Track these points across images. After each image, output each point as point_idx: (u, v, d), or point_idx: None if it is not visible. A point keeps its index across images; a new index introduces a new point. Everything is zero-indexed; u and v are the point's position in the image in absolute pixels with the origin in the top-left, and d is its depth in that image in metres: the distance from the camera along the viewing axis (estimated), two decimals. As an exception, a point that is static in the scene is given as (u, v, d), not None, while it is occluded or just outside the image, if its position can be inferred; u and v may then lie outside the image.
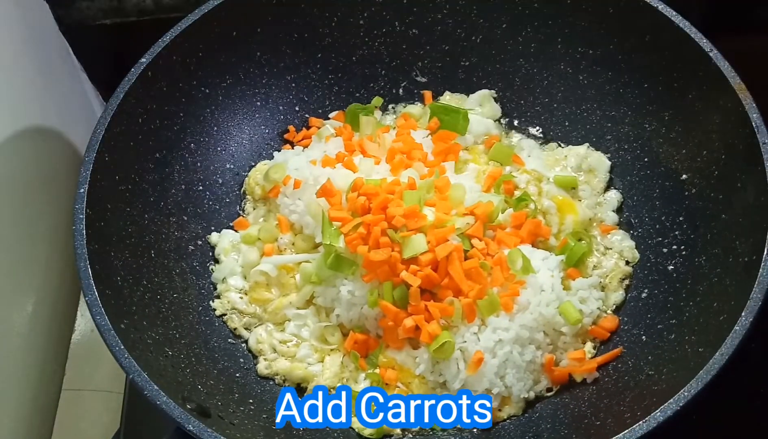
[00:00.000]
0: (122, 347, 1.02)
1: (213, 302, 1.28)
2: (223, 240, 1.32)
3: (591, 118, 1.37)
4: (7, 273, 1.37)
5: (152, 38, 1.26)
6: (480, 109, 1.41)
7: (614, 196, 1.33)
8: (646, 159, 1.31)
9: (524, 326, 1.15)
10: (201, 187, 1.34)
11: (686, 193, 1.23)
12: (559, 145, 1.39)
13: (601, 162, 1.34)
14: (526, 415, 1.16)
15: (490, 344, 1.14)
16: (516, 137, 1.41)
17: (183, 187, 1.31)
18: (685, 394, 0.95)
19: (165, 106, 1.29)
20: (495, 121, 1.42)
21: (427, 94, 1.44)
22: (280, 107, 1.42)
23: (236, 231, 1.35)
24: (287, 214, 1.30)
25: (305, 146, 1.39)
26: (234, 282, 1.29)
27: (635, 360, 1.14)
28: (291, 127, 1.43)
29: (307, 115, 1.44)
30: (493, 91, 1.43)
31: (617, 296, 1.24)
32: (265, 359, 1.24)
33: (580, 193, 1.33)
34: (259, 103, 1.40)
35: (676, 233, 1.23)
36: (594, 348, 1.21)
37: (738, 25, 1.33)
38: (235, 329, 1.27)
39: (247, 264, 1.29)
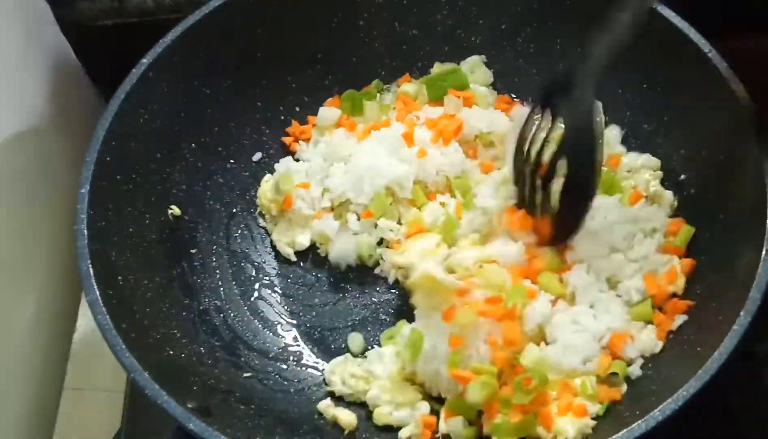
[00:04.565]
0: (123, 346, 1.02)
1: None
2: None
3: (591, 119, 1.37)
4: (8, 273, 1.37)
5: (153, 39, 1.26)
6: (472, 76, 1.40)
7: (614, 131, 1.31)
8: (645, 159, 1.31)
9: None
10: (202, 188, 1.35)
11: (685, 193, 1.24)
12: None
13: None
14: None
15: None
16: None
17: (184, 187, 1.32)
18: (684, 394, 0.95)
19: (166, 107, 1.29)
20: (487, 86, 1.41)
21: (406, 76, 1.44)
22: (281, 107, 1.42)
23: None
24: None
25: (306, 140, 1.40)
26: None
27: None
28: (294, 122, 1.43)
29: (307, 116, 1.44)
30: (483, 56, 1.42)
31: (668, 197, 1.23)
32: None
33: None
34: (259, 104, 1.40)
35: (676, 232, 1.23)
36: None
37: (738, 25, 1.33)
38: None
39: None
